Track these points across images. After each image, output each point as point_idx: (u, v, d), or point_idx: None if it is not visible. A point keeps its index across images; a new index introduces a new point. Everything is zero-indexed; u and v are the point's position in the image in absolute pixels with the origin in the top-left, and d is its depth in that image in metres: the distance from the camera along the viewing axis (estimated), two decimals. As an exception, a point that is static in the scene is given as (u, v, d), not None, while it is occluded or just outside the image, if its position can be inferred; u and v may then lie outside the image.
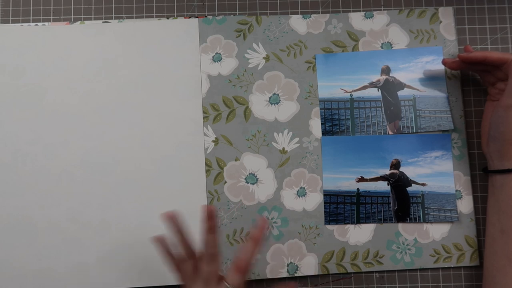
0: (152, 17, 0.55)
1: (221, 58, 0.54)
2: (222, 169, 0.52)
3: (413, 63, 0.53)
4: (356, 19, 0.54)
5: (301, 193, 0.52)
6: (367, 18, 0.54)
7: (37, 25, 0.54)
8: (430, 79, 0.53)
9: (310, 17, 0.55)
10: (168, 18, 0.54)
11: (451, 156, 0.52)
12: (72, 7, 0.55)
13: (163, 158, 0.52)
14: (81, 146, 0.52)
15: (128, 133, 0.52)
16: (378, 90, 0.53)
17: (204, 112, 0.53)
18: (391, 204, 0.51)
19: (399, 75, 0.53)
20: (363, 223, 0.51)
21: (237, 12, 0.55)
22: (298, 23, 0.54)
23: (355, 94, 0.53)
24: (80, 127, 0.52)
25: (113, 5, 0.55)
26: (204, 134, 0.53)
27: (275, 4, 0.55)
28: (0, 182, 0.51)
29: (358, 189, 0.52)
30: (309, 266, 0.51)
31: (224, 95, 0.53)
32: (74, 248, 0.50)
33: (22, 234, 0.50)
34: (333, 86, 0.53)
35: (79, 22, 0.54)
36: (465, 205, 0.51)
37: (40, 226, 0.50)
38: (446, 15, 0.54)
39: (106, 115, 0.52)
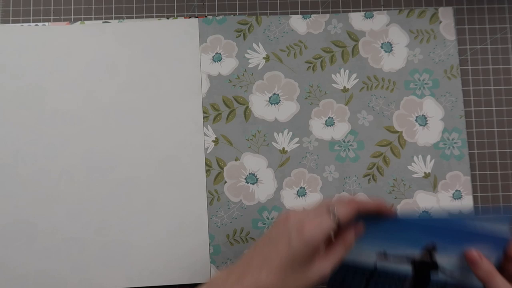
0: (152, 17, 0.55)
1: (221, 58, 0.54)
2: (222, 169, 0.52)
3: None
4: (356, 19, 0.54)
5: (301, 193, 0.52)
6: (367, 18, 0.54)
7: (37, 25, 0.54)
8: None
9: (310, 17, 0.55)
10: (168, 18, 0.55)
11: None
12: (72, 7, 0.55)
13: (163, 158, 0.52)
14: (81, 146, 0.52)
15: (128, 133, 0.52)
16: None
17: (204, 112, 0.53)
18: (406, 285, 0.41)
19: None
20: None
21: (237, 12, 0.55)
22: (298, 23, 0.54)
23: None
24: (80, 127, 0.52)
25: (113, 5, 0.55)
26: (204, 134, 0.53)
27: (275, 4, 0.55)
28: (0, 182, 0.51)
29: (375, 264, 0.41)
30: (309, 266, 0.51)
31: (224, 95, 0.53)
32: (74, 248, 0.50)
33: (22, 234, 0.50)
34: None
35: (79, 22, 0.54)
36: (465, 205, 0.51)
37: (40, 226, 0.50)
38: (446, 15, 0.54)
39: (106, 115, 0.52)
